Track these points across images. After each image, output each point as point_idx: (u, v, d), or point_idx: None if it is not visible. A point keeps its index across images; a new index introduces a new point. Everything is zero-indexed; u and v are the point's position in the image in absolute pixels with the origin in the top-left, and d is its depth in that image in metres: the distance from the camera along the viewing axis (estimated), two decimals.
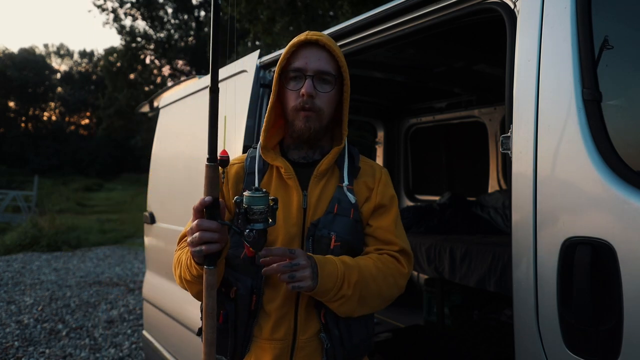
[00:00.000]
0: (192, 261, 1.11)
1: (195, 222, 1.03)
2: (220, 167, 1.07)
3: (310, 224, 1.21)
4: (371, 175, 1.31)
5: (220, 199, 1.06)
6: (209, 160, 1.04)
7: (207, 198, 1.03)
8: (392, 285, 1.22)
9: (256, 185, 1.25)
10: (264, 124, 1.28)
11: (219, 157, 1.06)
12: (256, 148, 1.33)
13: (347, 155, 1.30)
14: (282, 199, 1.23)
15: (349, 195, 1.24)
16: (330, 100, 1.24)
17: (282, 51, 2.05)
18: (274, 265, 1.07)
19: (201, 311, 1.13)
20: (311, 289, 1.09)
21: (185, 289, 1.24)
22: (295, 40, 1.24)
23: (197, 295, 1.20)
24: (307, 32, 1.25)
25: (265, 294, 1.20)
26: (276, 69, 1.26)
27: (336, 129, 1.33)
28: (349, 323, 1.20)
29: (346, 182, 1.25)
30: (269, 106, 1.27)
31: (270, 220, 1.06)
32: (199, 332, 1.15)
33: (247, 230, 1.03)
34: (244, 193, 1.05)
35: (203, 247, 1.01)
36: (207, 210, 1.03)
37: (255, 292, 1.19)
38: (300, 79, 1.22)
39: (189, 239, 1.04)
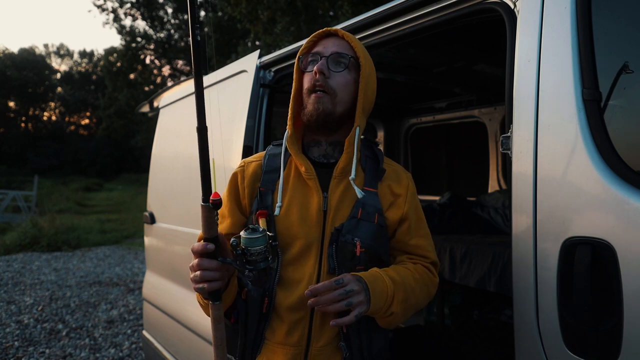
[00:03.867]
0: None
1: (196, 261, 1.03)
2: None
3: (333, 229, 1.16)
4: (396, 181, 1.26)
5: (219, 233, 1.04)
6: (204, 200, 1.02)
7: (210, 245, 1.01)
8: (426, 295, 1.24)
9: (280, 183, 1.21)
10: (289, 113, 1.25)
11: (210, 201, 1.01)
12: (276, 145, 1.30)
13: (369, 156, 1.26)
14: (300, 200, 1.19)
15: (374, 199, 1.20)
16: (346, 84, 1.20)
17: (283, 51, 2.07)
18: (328, 295, 1.02)
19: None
20: (366, 312, 1.07)
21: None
22: (315, 33, 1.25)
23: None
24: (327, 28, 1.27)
25: (279, 297, 1.16)
26: (297, 57, 1.26)
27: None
28: (370, 332, 1.18)
29: (353, 181, 1.19)
30: (292, 95, 1.26)
31: (270, 257, 1.05)
32: None
33: (247, 271, 1.03)
34: (240, 234, 1.04)
35: (205, 285, 1.02)
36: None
37: (268, 295, 1.16)
38: (317, 61, 1.20)
39: (191, 276, 1.05)
